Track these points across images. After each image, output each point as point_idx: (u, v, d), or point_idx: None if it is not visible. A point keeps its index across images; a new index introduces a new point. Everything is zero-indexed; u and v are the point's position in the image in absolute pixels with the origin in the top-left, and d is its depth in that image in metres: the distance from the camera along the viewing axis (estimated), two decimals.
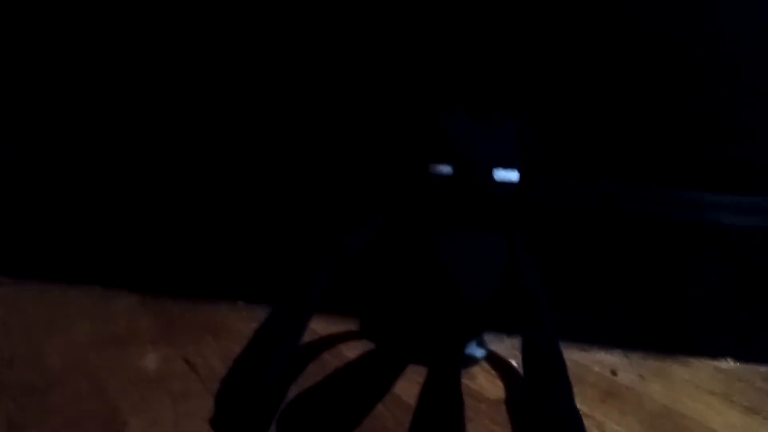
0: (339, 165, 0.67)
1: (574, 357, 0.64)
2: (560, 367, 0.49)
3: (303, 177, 0.67)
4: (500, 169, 0.53)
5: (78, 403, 0.48)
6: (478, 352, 0.62)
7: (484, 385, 0.56)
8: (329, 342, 0.62)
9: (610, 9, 0.62)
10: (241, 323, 0.64)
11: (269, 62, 0.67)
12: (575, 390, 0.54)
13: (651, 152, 0.65)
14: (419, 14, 0.63)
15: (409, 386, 0.54)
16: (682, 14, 0.62)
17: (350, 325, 0.66)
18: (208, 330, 0.63)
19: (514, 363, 0.61)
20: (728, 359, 0.66)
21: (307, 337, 0.57)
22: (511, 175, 0.54)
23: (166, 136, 0.70)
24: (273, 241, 0.69)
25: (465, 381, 0.56)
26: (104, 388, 0.50)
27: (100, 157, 0.70)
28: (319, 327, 0.64)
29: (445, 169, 0.53)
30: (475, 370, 0.60)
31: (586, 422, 0.50)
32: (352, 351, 0.60)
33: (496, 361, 0.62)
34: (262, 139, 0.68)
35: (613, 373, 0.61)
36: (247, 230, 0.69)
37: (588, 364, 0.62)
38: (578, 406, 0.52)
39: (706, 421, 0.53)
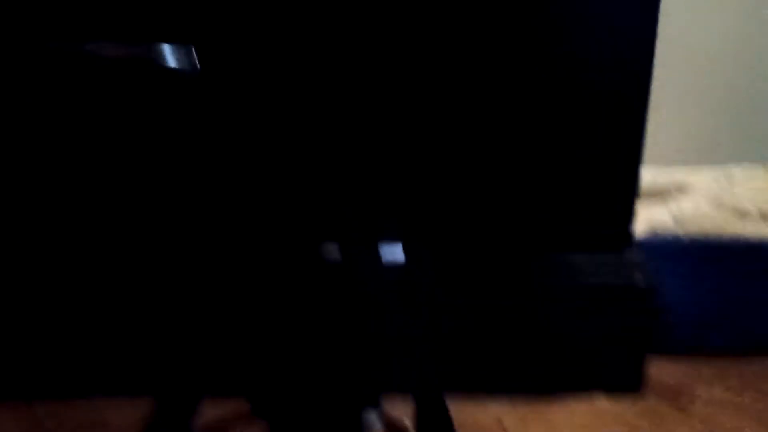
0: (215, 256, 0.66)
1: (463, 407, 0.66)
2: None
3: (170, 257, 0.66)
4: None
5: None
6: (372, 418, 0.62)
7: None
8: (219, 428, 0.59)
9: None
10: (120, 417, 0.61)
11: None
12: None
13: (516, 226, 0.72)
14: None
15: None
16: None
17: (238, 405, 0.64)
18: (85, 430, 0.58)
19: (406, 422, 0.62)
20: (600, 396, 0.72)
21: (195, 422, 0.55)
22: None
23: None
24: (144, 327, 0.66)
25: None
26: None
27: None
28: (207, 409, 0.61)
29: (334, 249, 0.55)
30: None
31: None
32: None
33: (391, 426, 0.62)
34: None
35: (499, 421, 0.64)
36: (116, 319, 0.66)
37: (475, 413, 0.65)
38: None
39: None
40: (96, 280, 0.65)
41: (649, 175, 1.14)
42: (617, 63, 0.71)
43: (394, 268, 0.58)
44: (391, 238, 0.60)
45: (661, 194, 1.10)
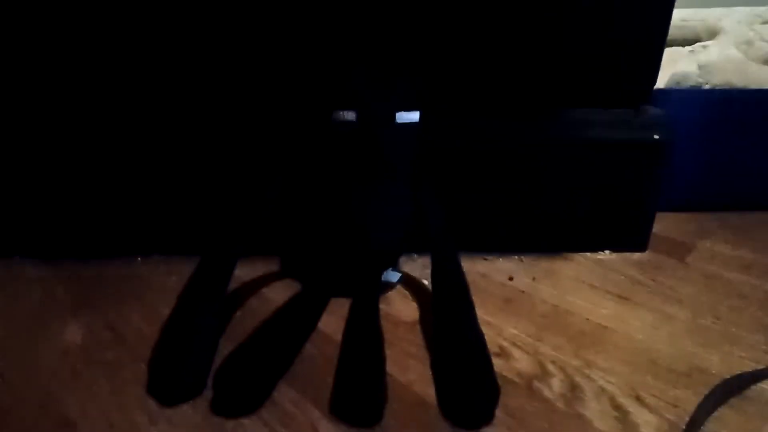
0: (246, 114, 0.65)
1: (479, 268, 0.71)
2: (463, 291, 0.56)
3: (210, 125, 0.65)
4: (402, 112, 0.55)
5: (8, 390, 0.48)
6: (394, 277, 0.67)
7: (400, 308, 0.62)
8: (253, 287, 0.64)
9: None
10: (160, 277, 0.65)
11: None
12: (479, 300, 0.61)
13: (528, 86, 0.69)
14: None
15: (335, 321, 0.58)
16: None
17: (271, 266, 0.68)
18: (127, 289, 0.63)
19: (425, 282, 0.67)
20: (606, 251, 0.76)
21: (230, 284, 0.60)
22: (413, 116, 0.56)
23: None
24: (182, 189, 0.68)
25: (383, 307, 0.62)
26: (32, 370, 0.51)
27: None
28: (241, 272, 0.66)
29: (349, 115, 0.54)
30: (392, 295, 0.65)
31: (488, 329, 0.58)
32: (276, 293, 0.63)
33: (409, 283, 0.67)
34: (167, 88, 0.65)
35: (510, 278, 0.69)
36: (153, 180, 0.68)
37: (489, 273, 0.70)
38: (481, 315, 0.60)
39: (586, 314, 0.62)
40: (125, 139, 0.66)
41: (678, 17, 1.08)
42: None
43: (407, 128, 0.58)
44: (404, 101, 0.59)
45: (687, 40, 1.05)
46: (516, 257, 0.73)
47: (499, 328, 0.59)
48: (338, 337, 0.56)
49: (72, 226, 0.69)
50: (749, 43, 0.98)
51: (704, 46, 0.99)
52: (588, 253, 0.75)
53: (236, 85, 0.64)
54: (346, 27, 0.60)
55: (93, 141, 0.65)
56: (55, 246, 0.69)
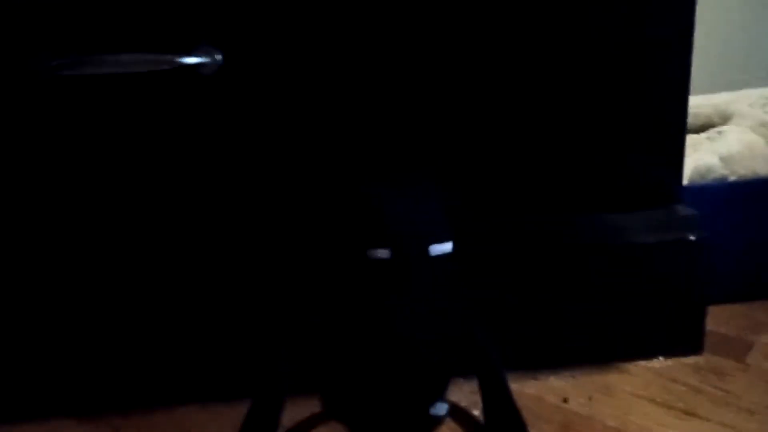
0: (277, 251, 0.66)
1: (529, 390, 0.67)
2: (518, 420, 0.53)
3: (241, 264, 0.66)
4: (436, 244, 0.55)
5: None
6: (442, 409, 0.64)
7: None
8: (301, 430, 0.62)
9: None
10: (204, 427, 0.63)
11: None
12: (535, 429, 0.58)
13: (560, 185, 0.70)
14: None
15: None
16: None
17: (312, 407, 0.66)
18: None
19: (476, 413, 0.64)
20: (660, 357, 0.73)
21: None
22: (446, 247, 0.56)
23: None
24: (218, 328, 0.68)
25: None
26: None
27: None
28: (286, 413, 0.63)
29: (383, 253, 0.55)
30: (442, 429, 0.62)
31: None
32: None
33: (458, 415, 0.64)
34: (197, 224, 0.66)
35: (565, 400, 0.65)
36: (186, 321, 0.67)
37: (541, 395, 0.66)
38: None
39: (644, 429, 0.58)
40: (168, 279, 0.66)
41: (690, 104, 1.10)
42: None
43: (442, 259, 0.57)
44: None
45: (706, 124, 1.05)
46: (568, 374, 0.70)
47: None
48: None
49: (110, 374, 0.68)
50: (766, 125, 0.99)
51: (720, 132, 1.00)
52: (642, 362, 0.72)
53: (267, 226, 0.66)
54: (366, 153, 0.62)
55: (119, 282, 0.66)
56: (93, 400, 0.68)
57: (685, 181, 0.85)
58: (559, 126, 0.69)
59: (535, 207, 0.69)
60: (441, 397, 0.64)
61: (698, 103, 1.07)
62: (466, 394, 0.67)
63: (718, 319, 0.80)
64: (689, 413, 0.61)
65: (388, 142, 0.66)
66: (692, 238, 0.71)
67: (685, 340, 0.73)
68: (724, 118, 1.05)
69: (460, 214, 0.58)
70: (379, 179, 0.59)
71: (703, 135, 0.99)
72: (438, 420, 0.63)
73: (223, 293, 0.66)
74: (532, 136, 0.68)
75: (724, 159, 0.91)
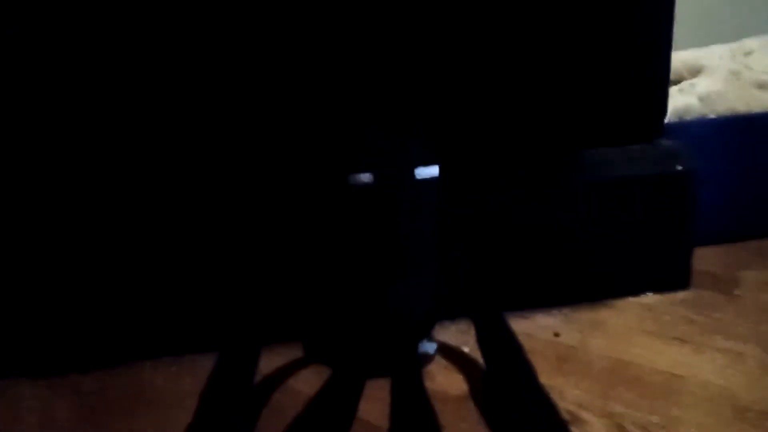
0: (251, 177, 0.61)
1: (520, 327, 0.64)
2: (519, 353, 0.50)
3: (216, 198, 0.61)
4: (421, 167, 0.52)
5: None
6: (431, 347, 0.61)
7: (444, 383, 0.56)
8: (276, 379, 0.58)
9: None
10: (172, 382, 0.58)
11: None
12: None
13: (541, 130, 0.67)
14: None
15: (373, 407, 0.52)
16: None
17: (292, 353, 0.62)
18: (136, 400, 0.56)
19: (466, 350, 0.61)
20: (648, 293, 0.71)
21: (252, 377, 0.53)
22: (432, 171, 0.52)
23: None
24: (181, 274, 0.63)
25: (423, 383, 0.55)
26: None
27: None
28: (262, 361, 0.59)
29: (365, 177, 0.51)
30: (432, 368, 0.59)
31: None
32: (304, 383, 0.56)
33: (449, 353, 0.61)
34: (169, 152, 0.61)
35: (556, 335, 0.63)
36: (148, 264, 0.62)
37: (533, 332, 0.64)
38: None
39: (650, 363, 0.56)
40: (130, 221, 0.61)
41: None
42: None
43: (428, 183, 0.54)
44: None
45: (676, 79, 1.05)
46: (556, 311, 0.68)
47: (559, 391, 0.53)
48: (382, 423, 0.49)
49: (68, 335, 0.63)
50: (736, 74, 0.98)
51: (692, 84, 0.99)
52: (630, 298, 0.70)
53: (245, 155, 0.61)
54: (355, 81, 0.57)
55: (81, 228, 0.61)
56: (52, 360, 0.63)
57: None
58: (549, 65, 0.66)
59: (526, 143, 0.66)
60: (428, 335, 0.62)
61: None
62: (453, 334, 0.64)
63: (704, 259, 0.79)
64: (683, 340, 0.60)
65: (376, 82, 0.61)
66: (679, 168, 0.69)
67: (674, 275, 0.71)
68: (694, 73, 1.04)
69: (448, 145, 0.54)
70: (365, 114, 0.55)
71: (675, 88, 0.98)
72: (426, 358, 0.60)
73: (186, 233, 0.61)
74: (523, 75, 0.65)
75: (702, 98, 0.90)
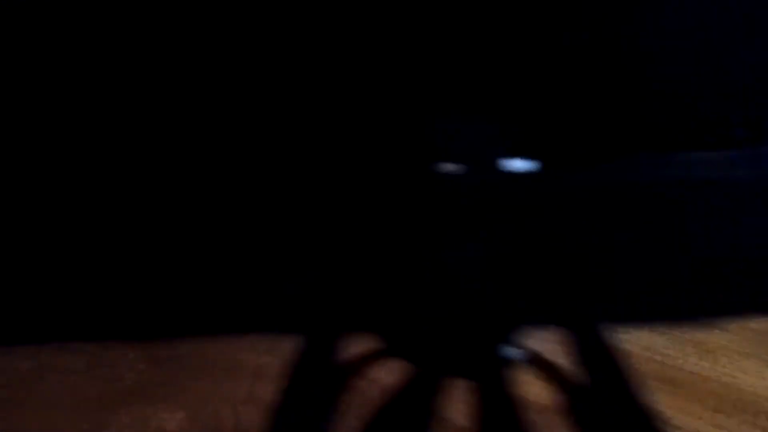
0: (340, 171, 0.61)
1: (622, 345, 0.60)
2: (620, 369, 0.46)
3: (301, 184, 0.61)
4: (508, 159, 0.49)
5: None
6: (516, 353, 0.58)
7: (529, 391, 0.53)
8: (356, 366, 0.57)
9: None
10: (258, 358, 0.59)
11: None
12: (641, 384, 0.51)
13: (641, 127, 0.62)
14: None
15: (455, 406, 0.50)
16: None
17: (374, 342, 0.61)
18: (224, 372, 0.57)
19: (556, 360, 0.57)
20: (760, 318, 0.64)
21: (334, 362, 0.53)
22: (522, 164, 0.50)
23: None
24: (273, 257, 0.63)
25: (508, 389, 0.52)
26: None
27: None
28: (344, 348, 0.59)
29: (452, 167, 0.49)
30: (516, 374, 0.56)
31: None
32: (386, 374, 0.55)
33: (535, 361, 0.58)
34: (256, 150, 0.62)
35: (661, 354, 0.58)
36: (241, 249, 0.63)
37: (636, 351, 0.59)
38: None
39: (764, 391, 0.51)
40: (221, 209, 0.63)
41: None
42: None
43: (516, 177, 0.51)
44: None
45: None
46: (662, 330, 0.62)
47: (664, 414, 0.48)
48: (465, 422, 0.47)
49: (169, 303, 0.65)
50: None
51: None
52: (741, 322, 0.63)
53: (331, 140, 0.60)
54: (442, 71, 0.55)
55: (185, 207, 0.63)
56: (149, 325, 0.65)
57: None
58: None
59: (626, 142, 0.61)
60: (513, 339, 0.59)
61: None
62: (539, 342, 0.61)
63: None
64: None
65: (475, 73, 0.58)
66: None
67: None
68: None
69: (545, 138, 0.51)
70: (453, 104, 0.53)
71: None
72: (509, 363, 0.57)
73: (273, 214, 0.61)
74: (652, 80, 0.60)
75: None
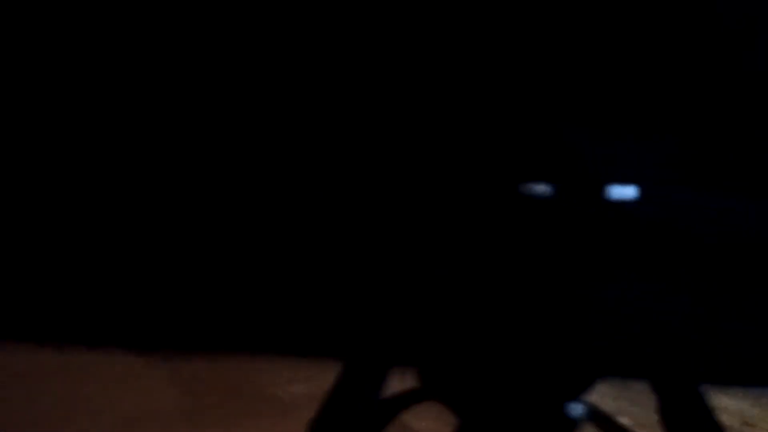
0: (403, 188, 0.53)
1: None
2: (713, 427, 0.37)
3: (348, 196, 0.54)
4: (616, 185, 0.40)
5: None
6: (577, 410, 0.49)
7: None
8: (390, 409, 0.49)
9: None
10: (282, 386, 0.52)
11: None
12: None
13: None
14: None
15: None
16: None
17: (410, 380, 0.53)
18: (245, 402, 0.50)
19: (624, 421, 0.49)
20: None
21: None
22: (629, 192, 0.41)
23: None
24: (316, 272, 0.56)
25: None
26: None
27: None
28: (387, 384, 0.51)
29: (542, 188, 0.41)
30: None
31: None
32: (422, 423, 0.47)
33: (599, 419, 0.49)
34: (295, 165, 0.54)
35: (748, 424, 0.49)
36: (280, 265, 0.56)
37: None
38: None
39: None
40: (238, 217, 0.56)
41: None
42: None
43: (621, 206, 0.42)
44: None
45: None
46: (743, 392, 0.53)
47: None
48: None
49: (186, 309, 0.58)
50: None
51: None
52: None
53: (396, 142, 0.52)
54: (546, 63, 0.46)
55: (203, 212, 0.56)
56: (162, 333, 0.58)
57: None
58: None
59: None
60: (581, 396, 0.50)
61: None
62: (602, 398, 0.52)
63: None
64: None
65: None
66: None
67: None
68: None
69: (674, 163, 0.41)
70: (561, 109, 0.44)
71: None
72: (570, 422, 0.49)
73: (325, 229, 0.54)
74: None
75: None
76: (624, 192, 0.41)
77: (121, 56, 0.52)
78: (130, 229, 0.57)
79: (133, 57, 0.52)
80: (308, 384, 0.50)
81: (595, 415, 0.50)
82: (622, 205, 0.41)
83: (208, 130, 0.55)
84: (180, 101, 0.54)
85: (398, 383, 0.52)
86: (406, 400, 0.50)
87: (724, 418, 0.50)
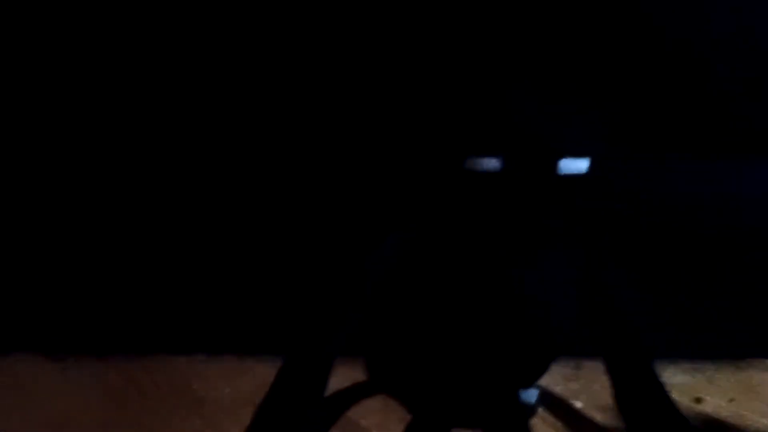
0: (346, 162, 0.48)
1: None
2: (669, 408, 0.36)
3: (299, 176, 0.49)
4: (567, 158, 0.38)
5: None
6: (532, 396, 0.47)
7: None
8: (335, 406, 0.46)
9: None
10: (218, 388, 0.48)
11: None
12: None
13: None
14: None
15: None
16: None
17: (356, 374, 0.50)
18: (178, 399, 0.46)
19: (577, 404, 0.47)
20: None
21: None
22: (581, 165, 0.39)
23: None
24: (259, 266, 0.52)
25: None
26: None
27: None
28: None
29: (491, 163, 0.38)
30: (532, 421, 0.46)
31: None
32: (370, 418, 0.44)
33: (552, 405, 0.48)
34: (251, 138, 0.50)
35: (698, 400, 0.49)
36: (223, 250, 0.51)
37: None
38: None
39: None
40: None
41: None
42: None
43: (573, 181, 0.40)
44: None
45: None
46: (694, 369, 0.53)
47: None
48: None
49: (124, 312, 0.53)
50: None
51: None
52: None
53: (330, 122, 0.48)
54: (489, 33, 0.43)
55: (138, 215, 0.51)
56: (103, 340, 0.53)
57: None
58: None
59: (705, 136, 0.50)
60: (533, 382, 0.48)
61: None
62: (555, 380, 0.51)
63: None
64: None
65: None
66: None
67: None
68: None
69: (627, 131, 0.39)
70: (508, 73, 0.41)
71: None
72: (525, 409, 0.47)
73: (261, 225, 0.49)
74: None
75: None
76: (577, 165, 0.39)
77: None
78: (48, 231, 0.51)
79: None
80: (245, 383, 0.46)
81: (549, 399, 0.48)
82: (574, 178, 0.39)
83: None
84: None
85: (343, 378, 0.49)
86: (352, 395, 0.47)
87: (676, 396, 0.50)
